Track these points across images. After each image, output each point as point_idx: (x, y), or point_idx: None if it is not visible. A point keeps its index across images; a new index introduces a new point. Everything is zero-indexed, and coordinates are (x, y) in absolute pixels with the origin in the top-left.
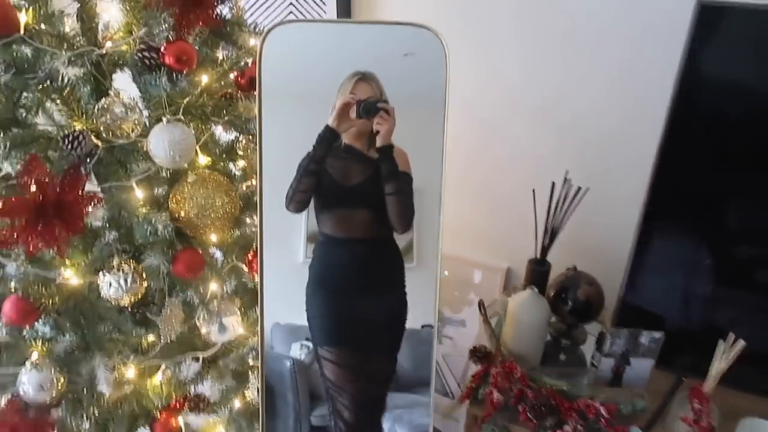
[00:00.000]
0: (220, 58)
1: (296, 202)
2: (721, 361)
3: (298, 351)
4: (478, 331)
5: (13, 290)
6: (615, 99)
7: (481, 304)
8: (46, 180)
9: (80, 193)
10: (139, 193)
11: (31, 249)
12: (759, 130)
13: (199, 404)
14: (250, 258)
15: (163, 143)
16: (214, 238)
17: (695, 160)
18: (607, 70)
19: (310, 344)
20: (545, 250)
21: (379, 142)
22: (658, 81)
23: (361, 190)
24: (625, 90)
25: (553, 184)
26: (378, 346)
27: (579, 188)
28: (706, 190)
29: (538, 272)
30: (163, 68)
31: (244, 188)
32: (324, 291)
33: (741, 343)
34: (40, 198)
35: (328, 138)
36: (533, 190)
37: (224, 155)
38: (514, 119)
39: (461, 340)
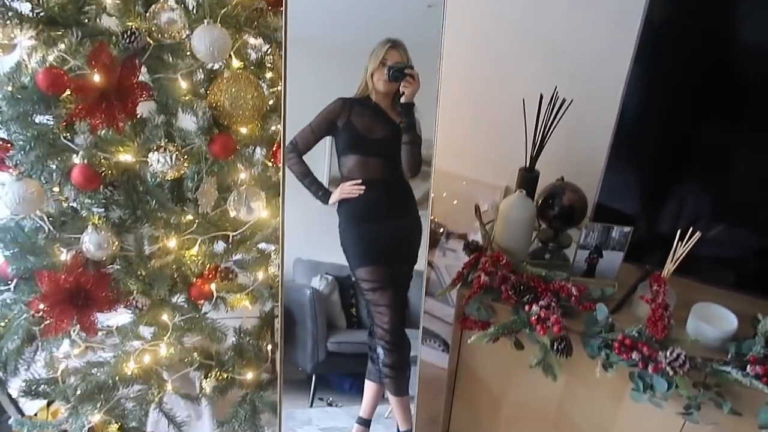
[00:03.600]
0: None
1: (301, 137)
2: (678, 249)
3: (318, 282)
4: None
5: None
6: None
7: (477, 208)
8: (110, 66)
9: (135, 82)
10: (183, 85)
11: (95, 125)
12: (718, 53)
13: (228, 275)
14: (274, 151)
15: (204, 41)
16: (244, 130)
17: (660, 79)
18: None
19: (330, 277)
20: (534, 159)
21: (403, 100)
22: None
23: (381, 143)
24: (604, 13)
25: (541, 95)
26: (401, 258)
27: (564, 100)
28: (671, 104)
29: (527, 179)
30: None
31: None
32: (354, 223)
33: (697, 234)
34: (104, 81)
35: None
36: (523, 100)
37: (254, 66)
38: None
39: (463, 253)
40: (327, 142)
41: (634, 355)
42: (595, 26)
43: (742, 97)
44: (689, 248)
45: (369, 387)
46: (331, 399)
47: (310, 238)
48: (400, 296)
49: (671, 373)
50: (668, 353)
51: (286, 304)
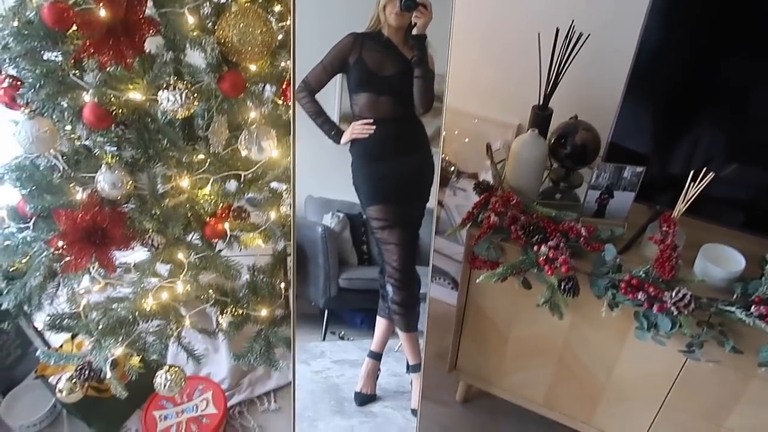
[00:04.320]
0: None
1: (314, 75)
2: (690, 189)
3: (330, 220)
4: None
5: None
6: None
7: (488, 147)
8: (115, 0)
9: (142, 16)
10: (191, 19)
11: (103, 62)
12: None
13: (241, 214)
14: (284, 89)
15: None
16: (253, 67)
17: (682, 11)
18: None
19: (341, 214)
20: (547, 96)
21: (415, 32)
22: None
23: (393, 79)
24: None
25: (557, 30)
26: (412, 196)
27: (581, 34)
28: (691, 39)
29: (540, 117)
30: None
31: (280, 34)
32: (365, 162)
33: (710, 174)
34: (110, 16)
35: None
36: (538, 35)
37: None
38: None
39: (473, 193)
40: (337, 79)
41: (640, 296)
42: None
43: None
44: (701, 189)
45: (380, 323)
46: (342, 333)
47: (321, 176)
48: (409, 234)
49: (676, 312)
50: (674, 293)
51: (299, 241)
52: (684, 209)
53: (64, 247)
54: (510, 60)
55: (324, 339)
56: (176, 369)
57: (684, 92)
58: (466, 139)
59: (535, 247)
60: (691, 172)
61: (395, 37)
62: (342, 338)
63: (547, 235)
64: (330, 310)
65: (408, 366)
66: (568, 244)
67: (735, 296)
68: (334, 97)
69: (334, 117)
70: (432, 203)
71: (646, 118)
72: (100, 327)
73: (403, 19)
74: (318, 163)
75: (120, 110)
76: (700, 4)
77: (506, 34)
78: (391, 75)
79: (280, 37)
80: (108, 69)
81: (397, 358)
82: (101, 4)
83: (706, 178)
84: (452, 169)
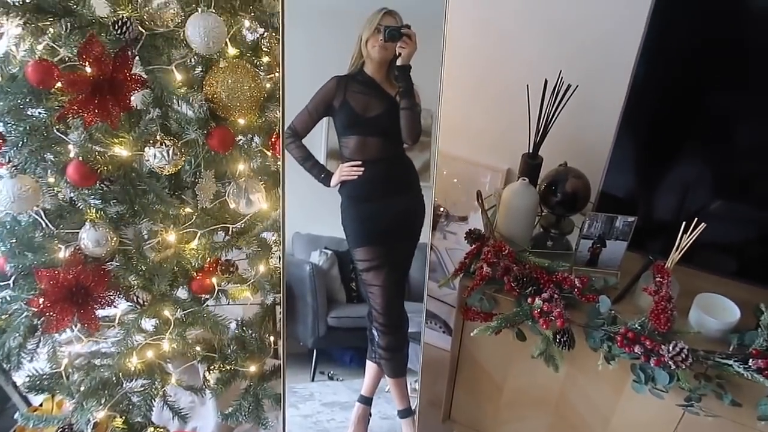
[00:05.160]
0: None
1: (300, 121)
2: (683, 240)
3: (317, 257)
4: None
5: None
6: (606, 6)
7: (479, 195)
8: (102, 59)
9: (129, 74)
10: (178, 76)
11: (88, 120)
12: (726, 45)
13: (229, 268)
14: (272, 141)
15: (198, 30)
16: (242, 121)
17: (667, 70)
18: None
19: (329, 251)
20: (537, 145)
21: (400, 62)
22: None
23: (379, 120)
24: None
25: (546, 81)
26: (400, 237)
27: (569, 85)
28: (678, 95)
29: (530, 165)
30: None
31: (268, 84)
32: (354, 202)
33: (702, 225)
34: (97, 75)
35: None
36: (527, 86)
37: (251, 51)
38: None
39: (463, 236)
40: (324, 121)
41: (637, 349)
42: (602, 7)
43: (762, 88)
44: (693, 239)
45: (369, 367)
46: (332, 373)
47: (308, 212)
48: (396, 275)
49: (673, 366)
50: (671, 347)
51: (287, 280)
52: (677, 258)
53: (45, 307)
54: (499, 107)
55: (313, 380)
56: (161, 430)
57: (675, 141)
58: (455, 180)
59: (529, 299)
60: (683, 224)
61: (378, 74)
62: (331, 378)
63: (540, 286)
64: (319, 349)
65: (398, 411)
66: (562, 296)
67: (731, 348)
68: (320, 138)
69: (321, 158)
70: (425, 240)
71: (637, 167)
72: (82, 389)
73: (387, 52)
74: (305, 199)
75: (105, 167)
76: (690, 55)
77: (496, 83)
78: (378, 115)
79: (268, 86)
80: (93, 126)
81: (388, 400)
82: (87, 63)
83: (698, 229)
84: (441, 210)
